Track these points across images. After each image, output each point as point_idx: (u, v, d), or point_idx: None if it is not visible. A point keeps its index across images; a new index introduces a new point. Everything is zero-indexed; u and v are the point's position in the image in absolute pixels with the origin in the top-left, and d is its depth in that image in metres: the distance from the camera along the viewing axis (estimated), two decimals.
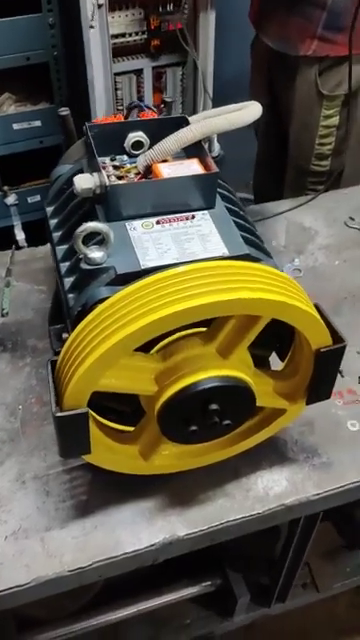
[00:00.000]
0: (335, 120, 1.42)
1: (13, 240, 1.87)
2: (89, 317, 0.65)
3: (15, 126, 1.73)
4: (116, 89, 1.87)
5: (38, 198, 1.85)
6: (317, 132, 1.44)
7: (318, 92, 1.40)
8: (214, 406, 0.69)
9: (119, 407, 0.78)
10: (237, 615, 1.19)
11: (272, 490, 0.85)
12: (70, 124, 0.94)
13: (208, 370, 0.68)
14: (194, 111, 2.05)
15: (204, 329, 0.70)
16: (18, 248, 1.24)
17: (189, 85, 1.99)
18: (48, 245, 0.89)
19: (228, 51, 1.89)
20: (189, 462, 0.82)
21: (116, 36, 1.73)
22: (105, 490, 0.84)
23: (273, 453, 0.89)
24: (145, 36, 1.79)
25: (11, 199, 1.84)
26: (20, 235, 1.89)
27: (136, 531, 0.80)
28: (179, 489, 0.84)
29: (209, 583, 1.16)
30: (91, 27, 1.55)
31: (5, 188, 1.83)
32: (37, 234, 1.86)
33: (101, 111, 1.74)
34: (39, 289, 1.13)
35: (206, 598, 1.19)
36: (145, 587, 1.14)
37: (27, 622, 1.08)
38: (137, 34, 1.79)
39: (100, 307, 0.65)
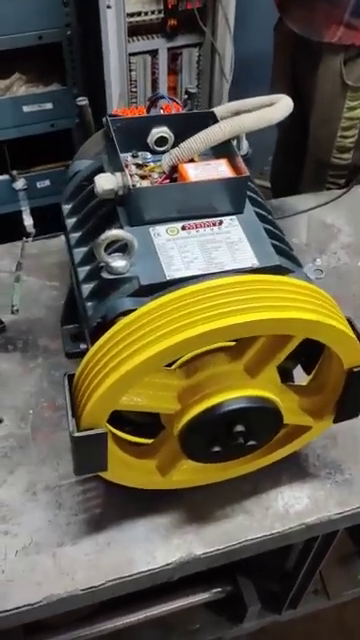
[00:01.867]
0: (359, 112, 1.36)
1: (21, 226, 1.82)
2: (111, 331, 0.61)
3: (25, 108, 1.67)
4: (130, 70, 1.81)
5: (48, 183, 1.80)
6: (339, 124, 1.38)
7: (342, 82, 1.33)
8: (240, 427, 0.65)
9: (137, 419, 0.75)
10: (247, 621, 1.16)
11: (293, 508, 0.81)
12: (88, 115, 0.89)
13: (235, 390, 0.64)
14: (210, 95, 1.99)
15: (231, 344, 0.66)
16: (26, 235, 1.19)
17: (206, 68, 1.92)
18: (61, 238, 0.85)
19: (248, 34, 1.82)
20: (208, 477, 0.79)
21: (131, 14, 1.67)
22: (119, 503, 0.80)
23: (294, 467, 0.85)
24: (161, 15, 1.72)
25: (20, 184, 1.78)
26: (28, 221, 1.84)
27: (151, 549, 0.77)
28: (196, 505, 0.81)
29: (219, 590, 1.13)
30: (108, 7, 1.48)
31: (14, 172, 1.77)
32: (45, 220, 1.82)
33: (115, 93, 1.67)
34: (51, 285, 1.09)
35: (216, 604, 1.16)
36: (155, 593, 1.11)
37: (35, 627, 1.06)
38: (153, 13, 1.72)
39: (123, 321, 0.61)
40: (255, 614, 1.16)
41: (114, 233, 0.62)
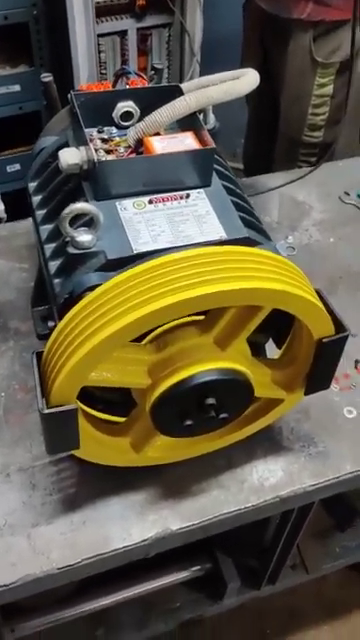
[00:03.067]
0: (329, 89, 1.35)
1: None
2: (78, 306, 0.60)
3: None
4: (99, 52, 1.78)
5: (18, 167, 1.77)
6: (310, 102, 1.37)
7: (312, 59, 1.33)
8: (211, 400, 0.65)
9: (108, 396, 0.74)
10: (227, 598, 1.17)
11: (267, 481, 0.82)
12: (53, 91, 0.87)
13: (205, 362, 0.64)
14: (181, 76, 1.97)
15: (200, 317, 0.66)
16: None
17: (176, 48, 1.90)
18: (30, 220, 0.84)
19: (218, 12, 1.81)
20: (182, 452, 0.79)
21: None
22: (94, 482, 0.80)
23: (268, 441, 0.86)
24: None
25: None
26: None
27: (126, 526, 0.77)
28: (171, 480, 0.81)
29: (199, 567, 1.14)
30: None
31: None
32: (17, 205, 1.79)
33: (84, 75, 1.65)
34: (21, 267, 1.07)
35: (196, 582, 1.17)
36: (134, 572, 1.12)
37: (13, 610, 1.06)
38: None
39: (90, 296, 0.60)
40: (235, 591, 1.17)
41: (78, 206, 0.61)
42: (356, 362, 0.96)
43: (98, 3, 1.65)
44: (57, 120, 0.85)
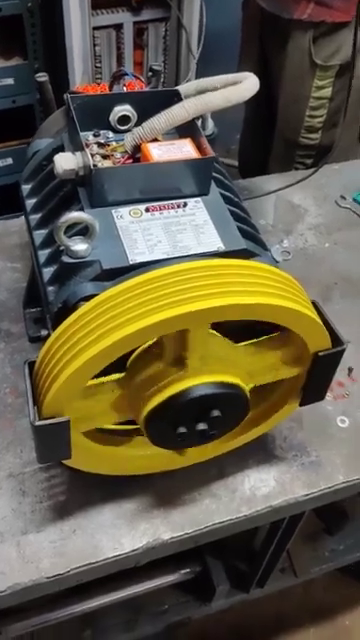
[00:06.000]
0: (327, 92, 1.34)
1: None
2: (72, 318, 0.59)
3: None
4: (94, 45, 1.76)
5: (10, 161, 1.75)
6: (308, 104, 1.36)
7: (311, 61, 1.31)
8: (216, 412, 0.64)
9: None
10: (215, 601, 1.18)
11: (259, 491, 0.82)
12: (49, 91, 0.85)
13: (168, 389, 0.62)
14: (177, 72, 1.95)
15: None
16: None
17: (172, 44, 1.87)
18: (22, 218, 0.82)
19: (216, 8, 1.78)
20: (175, 462, 0.78)
21: None
22: (85, 490, 0.79)
23: (261, 450, 0.85)
24: None
25: None
26: None
27: (117, 535, 0.76)
28: (163, 489, 0.80)
29: (188, 570, 1.14)
30: None
31: None
32: (9, 199, 1.77)
33: (78, 69, 1.63)
34: (13, 267, 1.06)
35: (184, 584, 1.17)
36: (123, 575, 1.11)
37: (1, 611, 1.05)
38: None
39: (85, 307, 0.59)
40: (223, 593, 1.17)
41: (74, 215, 0.60)
42: (349, 370, 0.96)
43: None
44: (52, 121, 0.83)
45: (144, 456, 0.75)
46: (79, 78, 1.63)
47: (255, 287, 0.60)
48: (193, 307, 0.55)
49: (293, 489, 0.82)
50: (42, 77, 0.84)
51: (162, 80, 0.88)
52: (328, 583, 1.44)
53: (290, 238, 1.18)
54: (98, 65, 1.82)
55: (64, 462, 0.70)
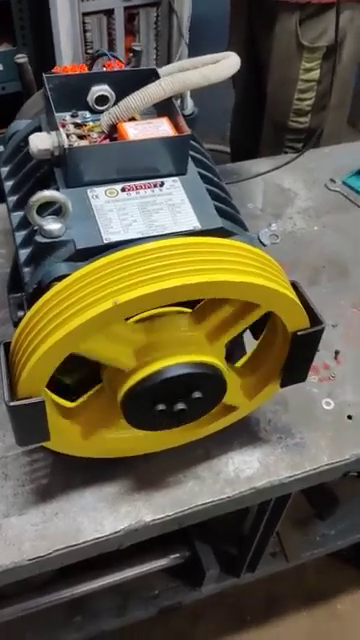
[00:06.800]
0: (316, 74, 1.33)
1: None
2: (44, 298, 0.59)
3: None
4: (85, 31, 1.75)
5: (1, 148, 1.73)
6: (296, 86, 1.34)
7: (298, 43, 1.30)
8: (182, 393, 0.64)
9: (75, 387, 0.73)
10: (206, 585, 1.18)
11: (243, 472, 0.81)
12: (28, 73, 0.85)
13: (194, 354, 0.62)
14: (169, 58, 1.94)
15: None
16: None
17: (164, 29, 1.87)
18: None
19: None
20: (157, 444, 0.78)
21: None
22: (67, 473, 0.79)
23: (245, 433, 0.85)
24: None
25: None
26: None
27: (99, 518, 0.76)
28: (146, 472, 0.80)
29: (178, 555, 1.14)
30: None
31: None
32: None
33: (67, 55, 1.62)
34: None
35: (175, 569, 1.17)
36: (113, 560, 1.11)
37: None
38: None
39: (57, 287, 0.58)
40: (214, 578, 1.17)
41: (45, 194, 0.59)
42: (336, 353, 0.95)
43: None
44: (31, 103, 0.83)
45: (126, 439, 0.75)
46: (69, 64, 1.61)
47: (230, 265, 0.59)
48: (165, 285, 0.55)
49: (277, 471, 0.82)
50: (21, 58, 0.84)
51: (154, 64, 0.87)
52: (322, 567, 1.45)
53: (279, 222, 1.17)
54: (90, 51, 1.81)
55: (45, 445, 0.70)
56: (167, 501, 0.78)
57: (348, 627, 1.42)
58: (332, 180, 1.25)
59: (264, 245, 1.12)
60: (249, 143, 1.56)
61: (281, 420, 0.87)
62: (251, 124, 1.55)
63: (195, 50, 1.84)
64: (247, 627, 1.40)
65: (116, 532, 0.75)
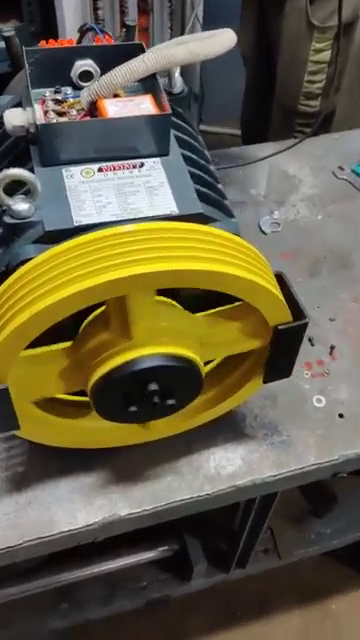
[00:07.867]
0: (326, 55, 1.27)
1: None
2: (8, 281, 0.56)
3: None
4: (96, 9, 1.71)
5: None
6: (306, 68, 1.29)
7: (308, 22, 1.24)
8: (153, 386, 0.61)
9: None
10: (195, 580, 1.16)
11: (224, 469, 0.78)
12: (16, 46, 0.82)
13: (114, 358, 0.59)
14: None
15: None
16: None
17: (177, 7, 1.81)
18: None
19: None
20: (136, 436, 0.75)
21: None
22: (44, 462, 0.77)
23: (230, 428, 0.82)
24: None
25: None
26: None
27: (73, 510, 0.74)
28: (125, 464, 0.78)
29: (166, 548, 1.12)
30: None
31: None
32: None
33: (73, 30, 1.57)
34: None
35: (164, 561, 1.15)
36: (101, 549, 1.10)
37: None
38: None
39: (21, 270, 0.56)
40: (202, 572, 1.15)
41: (10, 172, 0.56)
42: (331, 348, 0.91)
43: None
44: (19, 78, 0.80)
45: (103, 429, 0.72)
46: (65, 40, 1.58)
47: (205, 253, 0.56)
48: (130, 271, 0.52)
49: (260, 469, 0.79)
50: (8, 32, 0.81)
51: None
52: (316, 565, 1.41)
53: (282, 209, 1.13)
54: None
55: (18, 434, 0.68)
56: (144, 495, 0.76)
57: (342, 627, 1.39)
58: (340, 168, 1.20)
59: (264, 233, 1.08)
60: (260, 125, 1.51)
61: (268, 416, 0.83)
62: (262, 106, 1.50)
63: (209, 29, 1.79)
64: (238, 624, 1.37)
65: (89, 525, 0.73)
